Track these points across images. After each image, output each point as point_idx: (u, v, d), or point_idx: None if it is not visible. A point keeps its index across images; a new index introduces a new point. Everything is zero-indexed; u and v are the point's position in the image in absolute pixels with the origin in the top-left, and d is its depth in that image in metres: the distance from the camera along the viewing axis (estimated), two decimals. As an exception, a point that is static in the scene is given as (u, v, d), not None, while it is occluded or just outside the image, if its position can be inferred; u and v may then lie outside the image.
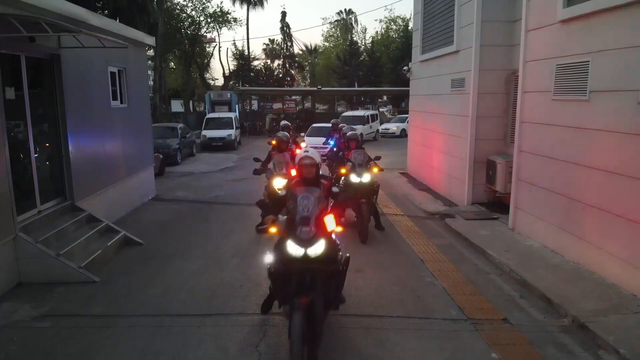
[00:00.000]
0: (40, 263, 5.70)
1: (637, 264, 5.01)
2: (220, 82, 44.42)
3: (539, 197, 7.01)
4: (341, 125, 12.37)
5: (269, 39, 59.48)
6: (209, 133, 22.31)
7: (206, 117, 24.73)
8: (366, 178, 7.58)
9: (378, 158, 8.27)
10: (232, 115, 24.94)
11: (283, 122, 11.66)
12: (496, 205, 8.98)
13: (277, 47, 58.23)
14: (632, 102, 5.05)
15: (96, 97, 8.11)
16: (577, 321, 4.58)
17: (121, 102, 9.22)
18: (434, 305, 5.06)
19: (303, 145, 15.36)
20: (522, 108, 7.41)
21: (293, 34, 48.42)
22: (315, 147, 17.03)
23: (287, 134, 8.73)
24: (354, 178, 7.55)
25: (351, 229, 6.80)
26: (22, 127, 6.27)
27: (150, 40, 10.85)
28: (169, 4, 28.82)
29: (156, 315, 4.90)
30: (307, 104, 38.07)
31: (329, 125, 19.13)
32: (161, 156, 14.43)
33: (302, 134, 20.61)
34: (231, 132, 22.51)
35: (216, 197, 11.34)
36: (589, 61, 5.79)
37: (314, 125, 21.68)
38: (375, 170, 7.98)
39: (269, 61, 48.40)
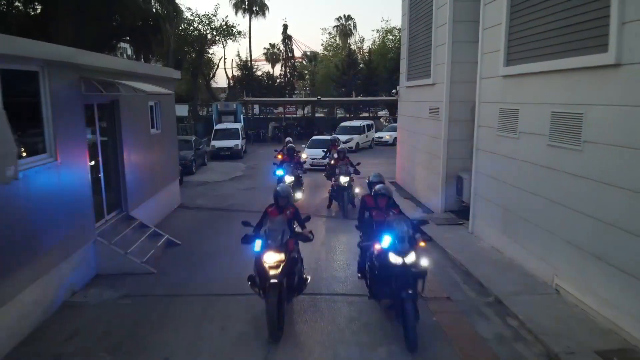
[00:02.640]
0: (112, 259, 7.73)
1: (547, 260, 7.04)
2: (222, 84, 46.63)
3: (488, 209, 9.06)
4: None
5: (270, 44, 61.86)
6: (218, 143, 24.35)
7: (215, 128, 26.74)
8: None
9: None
10: (238, 126, 26.80)
11: (289, 145, 13.54)
12: (463, 212, 11.00)
13: (277, 51, 60.58)
14: (543, 143, 7.09)
15: (140, 128, 10.16)
16: (497, 298, 6.61)
17: (156, 129, 11.26)
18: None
19: (304, 156, 17.34)
20: (477, 138, 9.47)
21: (296, 40, 50.55)
22: (315, 159, 18.73)
23: (288, 191, 6.50)
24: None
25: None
26: (95, 156, 8.29)
27: (176, 74, 12.92)
28: (182, 25, 30.75)
29: (203, 295, 6.94)
30: (308, 109, 40.07)
31: (329, 137, 20.98)
32: (180, 167, 16.44)
33: (303, 145, 22.04)
34: (238, 142, 24.57)
35: (231, 204, 13.38)
36: (518, 109, 7.83)
37: (314, 137, 23.24)
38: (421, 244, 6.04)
39: (270, 71, 50.53)
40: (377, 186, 6.45)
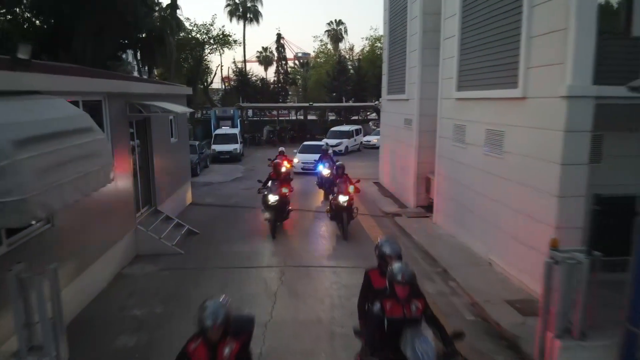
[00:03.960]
0: (149, 243, 9.83)
1: (484, 241, 9.27)
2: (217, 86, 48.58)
3: (446, 202, 11.31)
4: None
5: (262, 47, 63.93)
6: (218, 147, 26.26)
7: (215, 133, 28.55)
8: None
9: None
10: (236, 131, 28.84)
11: (275, 160, 14.60)
12: (430, 207, 13.23)
13: (269, 55, 62.70)
14: (480, 152, 9.34)
15: (165, 137, 12.29)
16: (444, 269, 8.84)
17: (175, 138, 13.38)
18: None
19: (295, 160, 19.12)
20: (438, 147, 11.73)
21: (287, 41, 52.71)
22: (306, 163, 20.49)
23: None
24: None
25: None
26: (134, 161, 10.39)
27: (188, 90, 15.06)
28: (182, 34, 32.77)
29: (223, 268, 9.09)
30: (301, 112, 42.18)
31: (320, 143, 22.94)
32: (188, 170, 18.55)
33: (295, 150, 23.27)
34: (236, 146, 26.60)
35: (236, 202, 15.52)
36: (465, 125, 10.09)
37: (305, 143, 24.37)
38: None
39: (263, 74, 52.66)
40: (396, 266, 4.11)
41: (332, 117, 43.85)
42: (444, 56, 11.35)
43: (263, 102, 41.64)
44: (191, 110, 11.86)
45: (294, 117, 42.82)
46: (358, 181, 11.92)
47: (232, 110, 35.23)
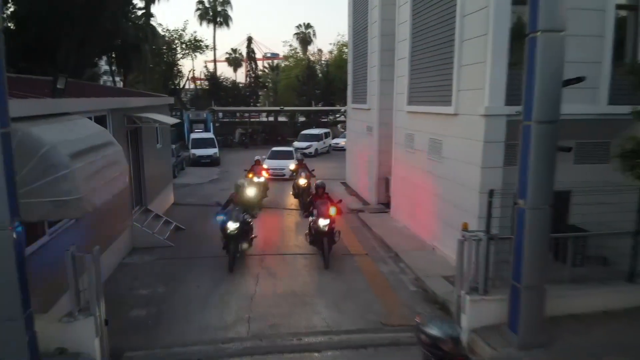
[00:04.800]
0: (144, 237, 11.27)
1: (430, 230, 11.19)
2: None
3: (401, 199, 13.22)
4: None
5: (232, 49, 65.03)
6: (198, 152, 26.81)
7: (192, 137, 29.10)
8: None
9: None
10: (212, 135, 29.70)
11: (256, 157, 16.23)
12: (389, 204, 15.14)
13: (238, 56, 63.88)
14: (425, 157, 11.26)
15: (152, 143, 13.69)
16: (396, 253, 10.70)
17: (159, 144, 14.79)
18: (338, 250, 11.02)
19: (265, 166, 19.51)
20: (394, 152, 13.64)
21: (256, 42, 54.15)
22: (275, 170, 20.98)
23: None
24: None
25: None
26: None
27: (171, 100, 16.44)
28: (157, 43, 33.73)
29: (210, 257, 10.64)
30: (272, 115, 43.70)
31: (289, 148, 24.05)
32: (167, 172, 19.85)
33: (263, 156, 21.35)
34: (216, 151, 27.42)
35: (216, 201, 16.94)
36: (414, 134, 12.00)
37: (274, 149, 24.12)
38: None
39: (234, 77, 53.88)
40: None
41: (302, 119, 45.54)
42: (398, 74, 13.26)
43: (235, 105, 42.97)
44: (179, 120, 13.29)
45: (264, 119, 44.25)
46: (340, 201, 11.02)
47: (205, 114, 36.40)
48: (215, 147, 27.74)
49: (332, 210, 10.21)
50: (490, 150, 8.73)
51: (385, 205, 15.35)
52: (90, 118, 8.50)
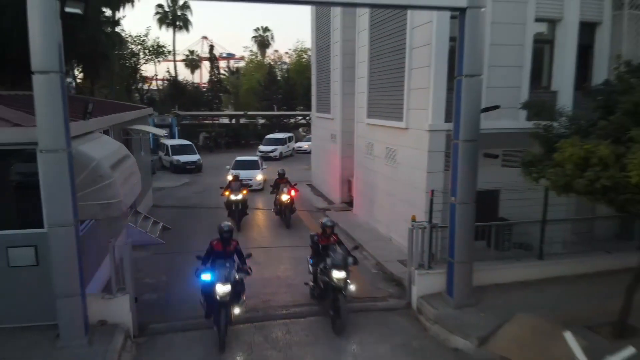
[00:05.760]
0: (138, 236, 12.70)
1: (387, 225, 13.29)
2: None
3: (362, 198, 15.30)
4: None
5: (189, 50, 65.38)
6: (183, 158, 26.97)
7: (170, 144, 28.36)
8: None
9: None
10: (190, 142, 29.67)
11: (234, 173, 16.14)
12: (352, 203, 17.21)
13: (196, 57, 64.36)
14: (383, 162, 13.36)
15: (138, 151, 15.07)
16: (360, 244, 12.72)
17: (143, 151, 16.15)
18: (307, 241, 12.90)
19: (229, 177, 17.60)
20: (356, 158, 15.71)
21: (215, 43, 55.23)
22: (242, 181, 20.77)
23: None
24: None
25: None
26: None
27: (150, 110, 17.78)
28: (124, 47, 34.37)
29: (202, 250, 12.24)
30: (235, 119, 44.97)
31: (254, 158, 23.36)
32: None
33: (227, 166, 20.94)
34: (199, 157, 27.70)
35: (194, 203, 18.48)
36: (373, 143, 14.10)
37: (238, 158, 22.66)
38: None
39: (191, 79, 54.84)
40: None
41: (261, 121, 46.67)
42: (358, 90, 15.33)
43: (197, 108, 44.01)
44: (165, 133, 14.76)
45: (226, 121, 45.32)
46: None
47: (170, 118, 37.29)
48: (196, 153, 27.93)
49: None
50: (434, 158, 10.89)
51: (348, 204, 17.39)
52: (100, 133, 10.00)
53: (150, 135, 35.85)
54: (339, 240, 8.84)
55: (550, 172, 6.80)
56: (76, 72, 27.90)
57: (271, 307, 8.97)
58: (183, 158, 27.05)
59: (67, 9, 6.42)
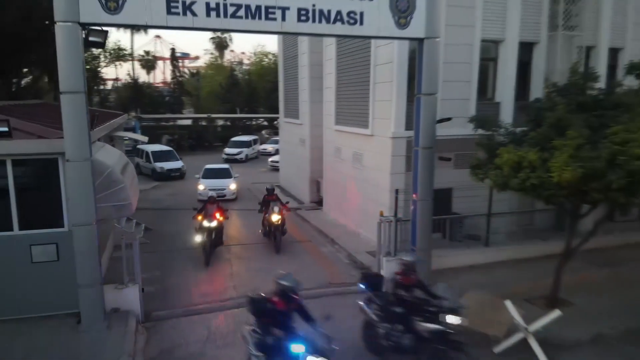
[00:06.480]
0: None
1: (354, 220, 14.76)
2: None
3: (332, 198, 16.74)
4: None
5: (144, 51, 64.58)
6: (166, 165, 25.36)
7: (150, 150, 26.53)
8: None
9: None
10: (171, 148, 29.13)
11: (210, 194, 14.17)
12: (321, 202, 18.58)
13: (151, 58, 63.68)
14: (350, 165, 14.84)
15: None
16: (332, 239, 14.14)
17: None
18: (286, 238, 14.16)
19: (201, 187, 18.10)
20: (325, 161, 17.13)
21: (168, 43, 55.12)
22: (213, 190, 19.82)
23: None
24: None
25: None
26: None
27: (126, 116, 18.43)
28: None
29: (186, 248, 13.25)
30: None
31: (225, 166, 21.95)
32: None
33: (197, 175, 20.60)
34: (183, 164, 26.06)
35: (168, 205, 19.26)
36: (341, 148, 15.56)
37: (207, 167, 21.31)
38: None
39: (147, 79, 54.60)
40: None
41: (220, 122, 46.82)
42: (326, 99, 16.74)
43: (158, 111, 44.09)
44: (147, 138, 15.61)
45: (187, 122, 45.54)
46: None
47: (133, 122, 37.32)
48: (179, 159, 26.53)
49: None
50: (396, 162, 12.44)
51: (317, 203, 18.77)
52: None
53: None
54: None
55: (492, 174, 8.46)
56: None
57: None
58: (167, 165, 25.35)
59: (91, 39, 7.40)
